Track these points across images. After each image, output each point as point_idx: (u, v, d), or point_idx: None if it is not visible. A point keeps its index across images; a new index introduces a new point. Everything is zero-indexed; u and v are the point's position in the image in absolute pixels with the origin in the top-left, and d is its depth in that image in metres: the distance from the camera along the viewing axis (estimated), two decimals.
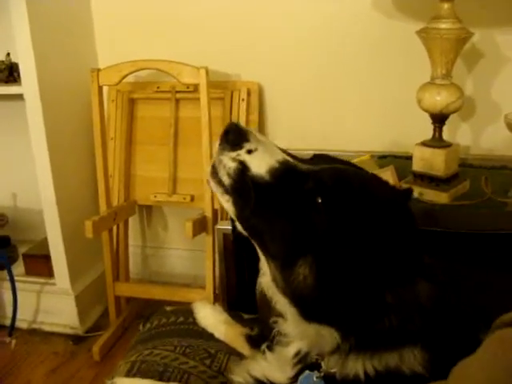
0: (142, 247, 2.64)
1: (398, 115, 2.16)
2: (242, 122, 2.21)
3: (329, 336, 0.82)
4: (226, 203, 0.88)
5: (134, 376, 1.18)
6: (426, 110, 1.66)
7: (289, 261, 0.81)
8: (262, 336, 1.26)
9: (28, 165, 2.25)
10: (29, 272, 2.38)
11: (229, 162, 0.86)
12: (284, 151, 0.90)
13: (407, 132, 2.13)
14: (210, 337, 1.29)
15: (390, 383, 0.80)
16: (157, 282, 2.58)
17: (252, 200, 0.84)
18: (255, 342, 1.21)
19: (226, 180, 0.86)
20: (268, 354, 0.99)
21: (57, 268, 2.29)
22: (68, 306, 2.31)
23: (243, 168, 0.85)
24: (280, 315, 0.93)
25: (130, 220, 2.47)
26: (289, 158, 0.88)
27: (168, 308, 1.44)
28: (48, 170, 2.15)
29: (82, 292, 2.35)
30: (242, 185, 0.85)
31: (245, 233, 0.89)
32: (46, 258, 2.30)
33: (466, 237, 1.48)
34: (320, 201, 0.81)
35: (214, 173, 0.88)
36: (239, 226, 0.90)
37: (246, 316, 1.37)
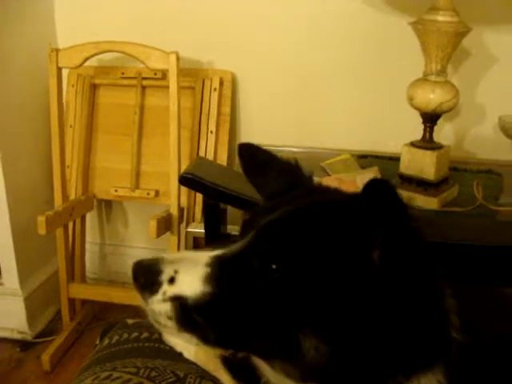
0: (100, 245, 2.47)
1: (380, 113, 2.05)
2: (214, 114, 2.07)
3: None
4: (194, 342, 0.74)
5: None
6: (417, 108, 1.55)
7: (291, 346, 0.67)
8: (237, 356, 1.13)
9: None
10: None
11: (160, 306, 0.71)
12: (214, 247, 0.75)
13: (388, 131, 2.05)
14: (178, 357, 1.13)
15: None
16: (115, 282, 2.41)
17: (208, 323, 0.70)
18: (231, 364, 1.07)
19: (173, 325, 0.71)
20: None
21: (5, 266, 2.11)
22: (16, 308, 2.13)
23: (179, 301, 0.70)
24: None
25: (88, 215, 2.30)
26: (216, 252, 0.73)
27: (129, 321, 1.27)
28: None
29: (32, 293, 2.17)
30: (189, 317, 0.70)
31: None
32: None
33: (460, 249, 1.38)
34: (273, 268, 0.67)
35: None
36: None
37: None
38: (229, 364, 1.07)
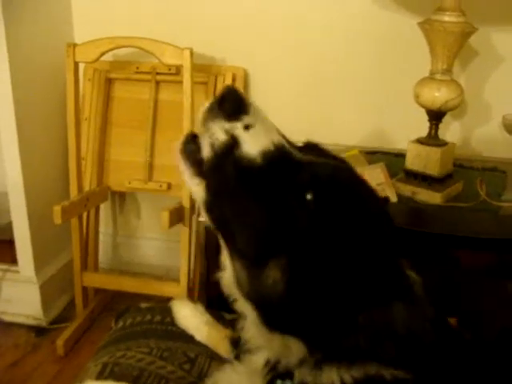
0: (113, 235, 2.53)
1: (388, 110, 2.10)
2: None
3: (295, 347, 0.73)
4: (196, 187, 0.76)
5: (106, 380, 1.07)
6: (423, 106, 1.59)
7: (259, 260, 0.70)
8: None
9: None
10: None
11: (219, 132, 0.72)
12: (280, 133, 0.77)
13: (396, 129, 2.08)
14: (189, 339, 1.18)
15: None
16: (127, 272, 2.47)
17: (231, 184, 0.72)
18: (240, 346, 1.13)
19: (208, 153, 0.73)
20: (236, 364, 0.88)
21: (21, 254, 2.16)
22: (32, 295, 2.18)
23: (233, 144, 0.72)
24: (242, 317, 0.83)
25: (102, 206, 2.35)
26: (285, 143, 0.75)
27: (143, 305, 1.33)
28: (15, 150, 2.02)
29: (47, 281, 2.23)
30: (224, 164, 0.72)
31: (210, 223, 0.77)
32: (10, 243, 2.18)
33: (458, 240, 1.43)
34: (310, 197, 0.70)
35: (188, 148, 0.76)
36: (204, 215, 0.77)
37: (228, 316, 1.28)
38: (236, 346, 1.13)
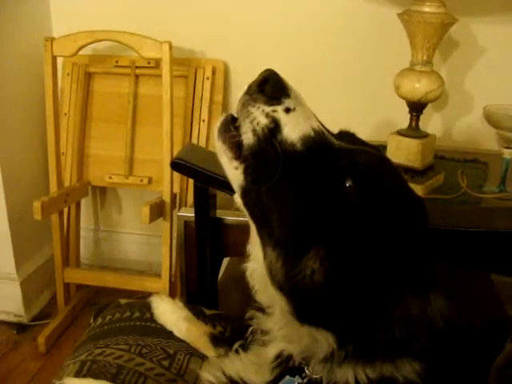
0: (94, 231, 2.51)
1: (371, 102, 2.08)
2: (206, 103, 2.11)
3: (324, 341, 0.71)
4: (233, 171, 0.74)
5: (84, 378, 1.05)
6: (403, 98, 1.58)
7: (298, 249, 0.69)
8: (225, 335, 1.18)
9: None
10: None
11: (260, 116, 0.71)
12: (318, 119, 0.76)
13: (380, 121, 2.07)
14: (168, 335, 1.17)
15: None
16: (109, 267, 2.45)
17: (274, 169, 0.70)
18: (220, 342, 1.11)
19: (249, 138, 0.71)
20: (242, 354, 0.87)
21: (1, 251, 2.14)
22: (12, 292, 2.17)
23: (275, 128, 0.71)
24: (260, 310, 0.82)
25: (82, 202, 2.33)
26: (323, 129, 0.75)
27: (122, 301, 1.31)
28: None
29: (27, 277, 2.21)
30: (266, 148, 0.71)
31: (242, 208, 0.76)
32: None
33: (441, 234, 1.42)
34: (349, 184, 0.69)
35: (226, 130, 0.74)
36: (239, 200, 0.76)
37: (208, 312, 1.27)
38: (216, 342, 1.12)
